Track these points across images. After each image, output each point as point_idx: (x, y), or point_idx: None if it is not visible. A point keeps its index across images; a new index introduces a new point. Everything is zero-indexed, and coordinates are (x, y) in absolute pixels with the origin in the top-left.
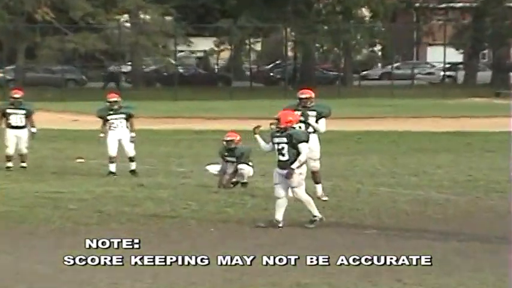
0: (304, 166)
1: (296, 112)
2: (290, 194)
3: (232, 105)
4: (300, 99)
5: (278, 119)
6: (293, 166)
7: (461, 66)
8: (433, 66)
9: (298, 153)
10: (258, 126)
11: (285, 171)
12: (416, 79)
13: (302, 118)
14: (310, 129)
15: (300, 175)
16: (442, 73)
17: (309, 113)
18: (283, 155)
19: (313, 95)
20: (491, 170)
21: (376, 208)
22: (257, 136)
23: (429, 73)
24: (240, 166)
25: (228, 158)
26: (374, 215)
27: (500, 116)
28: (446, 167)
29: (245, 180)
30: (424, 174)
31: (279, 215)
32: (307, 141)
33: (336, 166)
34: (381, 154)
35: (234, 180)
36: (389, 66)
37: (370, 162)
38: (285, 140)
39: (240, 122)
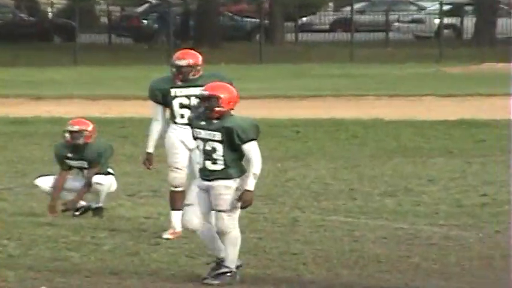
0: (244, 177)
1: (173, 90)
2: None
3: (78, 75)
4: (177, 67)
5: (203, 98)
6: (249, 187)
7: (469, 8)
8: (423, 9)
9: (241, 157)
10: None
11: (208, 184)
12: (394, 31)
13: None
14: None
15: (236, 190)
16: (437, 21)
17: (194, 90)
18: (213, 160)
19: (199, 59)
20: None
21: (325, 251)
22: None
23: (415, 20)
24: (95, 179)
25: (73, 162)
26: (321, 263)
27: None
28: (445, 180)
29: (99, 204)
30: (407, 192)
31: (220, 252)
32: (256, 139)
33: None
34: (333, 158)
35: (81, 205)
36: (347, 9)
37: (315, 172)
38: (218, 135)
39: (91, 104)
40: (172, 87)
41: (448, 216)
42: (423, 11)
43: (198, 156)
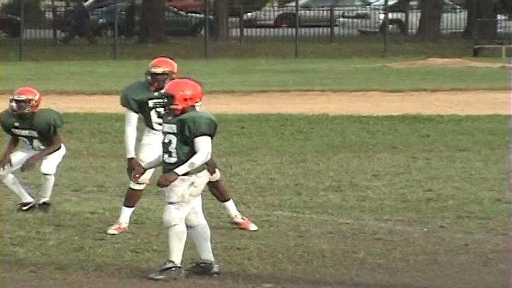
0: (202, 175)
1: (150, 101)
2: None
3: (23, 70)
4: (153, 75)
5: (167, 95)
6: (178, 170)
7: (414, 3)
8: (367, 4)
9: (193, 153)
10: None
11: None
12: (338, 26)
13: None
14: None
15: (190, 186)
16: (382, 16)
17: None
18: (169, 153)
19: (175, 67)
20: (467, 180)
21: (270, 246)
22: None
23: (360, 16)
24: (43, 167)
25: (22, 132)
26: (267, 258)
27: (482, 89)
28: (390, 175)
29: (46, 199)
30: (352, 188)
31: (206, 253)
32: (210, 135)
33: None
34: (278, 153)
35: (30, 201)
36: (292, 4)
37: (259, 167)
38: (173, 127)
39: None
40: (150, 99)
41: (393, 211)
42: (368, 6)
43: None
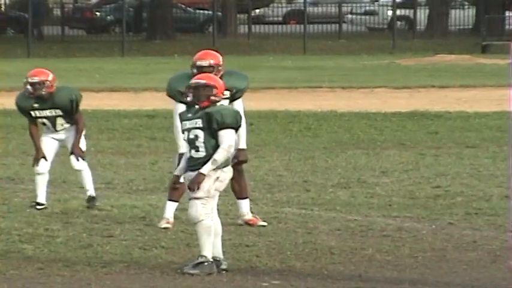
0: (228, 170)
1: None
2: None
3: (31, 67)
4: (199, 67)
5: (199, 86)
6: (203, 169)
7: (422, 0)
8: (376, 0)
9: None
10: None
11: (194, 174)
12: (347, 22)
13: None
14: None
15: (216, 180)
16: (390, 12)
17: None
18: (196, 148)
19: (220, 59)
20: (475, 177)
21: (278, 243)
22: None
23: (368, 12)
24: (75, 164)
25: (43, 112)
26: (275, 255)
27: (489, 85)
28: (398, 172)
29: (90, 192)
30: (360, 184)
31: (216, 250)
32: (235, 128)
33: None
34: (286, 150)
35: (42, 201)
36: (300, 1)
37: (267, 164)
38: (199, 122)
39: None
40: None
41: (401, 208)
42: (376, 3)
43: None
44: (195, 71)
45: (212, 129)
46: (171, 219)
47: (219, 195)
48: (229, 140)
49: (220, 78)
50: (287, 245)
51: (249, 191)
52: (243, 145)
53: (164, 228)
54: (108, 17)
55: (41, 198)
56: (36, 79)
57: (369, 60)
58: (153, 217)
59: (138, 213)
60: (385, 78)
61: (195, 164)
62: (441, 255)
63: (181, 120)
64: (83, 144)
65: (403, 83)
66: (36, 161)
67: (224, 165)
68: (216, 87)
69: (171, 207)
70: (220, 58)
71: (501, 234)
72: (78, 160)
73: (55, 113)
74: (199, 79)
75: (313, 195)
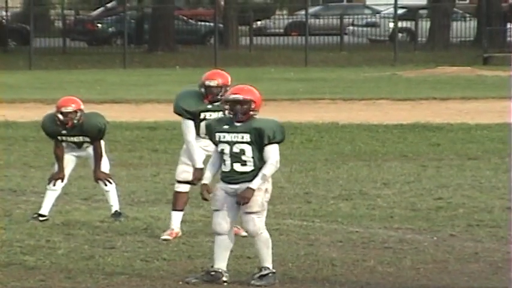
0: (270, 180)
1: (203, 114)
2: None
3: (33, 79)
4: (207, 88)
5: (236, 101)
6: (253, 185)
7: (424, 12)
8: (377, 12)
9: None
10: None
11: (237, 187)
12: (348, 34)
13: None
14: None
15: (265, 192)
16: (391, 24)
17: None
18: (242, 162)
19: (228, 79)
20: (477, 188)
21: (280, 255)
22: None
23: (370, 24)
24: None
25: (71, 138)
26: (277, 266)
27: (491, 97)
28: (400, 184)
29: (116, 208)
30: (362, 196)
31: (221, 262)
32: (282, 142)
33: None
34: (288, 162)
35: (45, 213)
36: (301, 13)
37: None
38: (246, 137)
39: (46, 108)
40: (202, 111)
41: (403, 219)
42: (378, 15)
43: (216, 160)
44: (203, 90)
45: (261, 144)
46: (177, 229)
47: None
48: (276, 155)
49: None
50: (289, 256)
51: None
52: None
53: (165, 240)
54: (110, 29)
55: (45, 210)
56: (69, 109)
57: (371, 72)
58: (155, 229)
59: (139, 225)
60: (386, 90)
61: (239, 178)
62: (443, 266)
63: (216, 131)
64: (106, 165)
65: (405, 94)
66: (54, 181)
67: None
68: (253, 101)
69: (176, 218)
70: (229, 78)
71: (503, 245)
72: (106, 185)
73: (82, 139)
74: (236, 93)
75: (314, 206)
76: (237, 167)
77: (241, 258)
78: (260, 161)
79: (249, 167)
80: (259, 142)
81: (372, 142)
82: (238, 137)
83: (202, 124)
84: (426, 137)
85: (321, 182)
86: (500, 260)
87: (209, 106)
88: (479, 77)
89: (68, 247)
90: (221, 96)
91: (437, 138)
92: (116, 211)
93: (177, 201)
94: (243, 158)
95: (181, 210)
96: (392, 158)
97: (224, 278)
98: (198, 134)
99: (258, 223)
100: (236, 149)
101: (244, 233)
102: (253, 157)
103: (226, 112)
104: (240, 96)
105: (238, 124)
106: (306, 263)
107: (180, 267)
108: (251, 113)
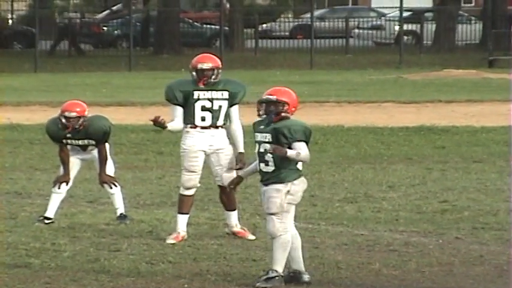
0: (299, 182)
1: (196, 92)
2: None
3: (38, 82)
4: (200, 71)
5: (263, 101)
6: (289, 151)
7: (429, 14)
8: (383, 15)
9: (289, 160)
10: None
11: (266, 188)
12: (354, 37)
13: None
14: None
15: (287, 194)
16: (397, 27)
17: (216, 94)
18: (266, 162)
19: (219, 63)
20: (482, 191)
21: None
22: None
23: (375, 27)
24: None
25: (75, 142)
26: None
27: (496, 100)
28: (405, 187)
29: (121, 210)
30: (367, 199)
31: (296, 264)
32: (305, 141)
33: (215, 189)
34: None
35: (50, 216)
36: (307, 16)
37: None
38: (268, 136)
39: (52, 111)
40: (195, 90)
41: (408, 222)
42: (383, 18)
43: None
44: (194, 74)
45: (282, 145)
46: (183, 233)
47: (220, 206)
48: (306, 150)
49: (219, 82)
50: None
51: (237, 203)
52: (241, 149)
53: (171, 243)
54: (115, 32)
55: (50, 213)
56: (73, 114)
57: (376, 74)
58: (160, 231)
59: (145, 227)
60: (392, 93)
61: (265, 179)
62: (448, 269)
63: (254, 131)
64: (110, 168)
65: (410, 97)
66: (59, 183)
67: (294, 178)
68: (287, 103)
69: (182, 221)
70: (219, 61)
71: (508, 248)
72: (111, 188)
73: (87, 142)
74: (270, 94)
75: (320, 209)
76: (263, 166)
77: (247, 261)
78: (281, 162)
79: (271, 167)
80: (277, 142)
81: (377, 145)
82: (263, 136)
83: (198, 105)
84: (431, 140)
85: (326, 185)
86: (505, 263)
87: (202, 86)
88: (485, 79)
89: (74, 250)
90: (214, 79)
91: (442, 141)
92: (121, 214)
93: (182, 205)
94: (266, 158)
95: (187, 214)
96: (398, 160)
97: (305, 279)
98: (192, 122)
99: (277, 225)
100: (262, 148)
101: (251, 237)
102: (273, 157)
103: (260, 112)
104: (273, 97)
105: (267, 125)
106: (312, 266)
107: (185, 270)
108: (283, 114)
